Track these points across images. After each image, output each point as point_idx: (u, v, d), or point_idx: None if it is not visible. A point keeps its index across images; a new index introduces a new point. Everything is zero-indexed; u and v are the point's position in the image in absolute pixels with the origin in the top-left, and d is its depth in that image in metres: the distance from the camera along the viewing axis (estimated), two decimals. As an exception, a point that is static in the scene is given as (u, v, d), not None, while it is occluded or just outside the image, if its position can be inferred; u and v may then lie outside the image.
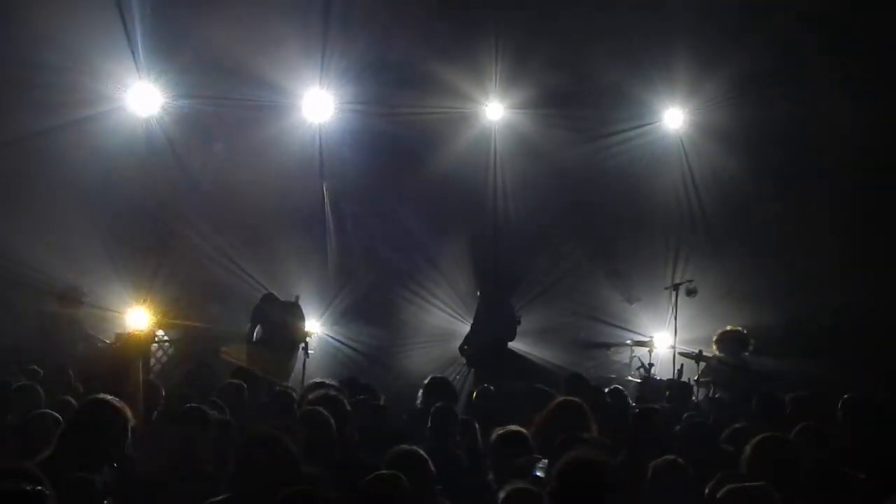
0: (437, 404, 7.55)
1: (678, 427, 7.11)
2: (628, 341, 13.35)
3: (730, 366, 10.73)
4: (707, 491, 5.15)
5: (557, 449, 5.63)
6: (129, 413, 5.19)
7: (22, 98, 11.85)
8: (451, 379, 11.12)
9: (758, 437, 5.47)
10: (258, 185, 13.17)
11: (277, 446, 4.89)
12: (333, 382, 8.76)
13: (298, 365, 12.13)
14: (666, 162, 14.72)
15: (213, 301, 13.34)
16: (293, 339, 12.30)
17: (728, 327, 11.18)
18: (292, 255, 13.75)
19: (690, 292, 12.46)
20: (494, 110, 14.49)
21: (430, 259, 14.34)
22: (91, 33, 11.80)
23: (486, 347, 12.58)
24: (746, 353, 10.90)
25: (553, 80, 13.72)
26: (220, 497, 4.90)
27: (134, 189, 12.79)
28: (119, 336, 11.40)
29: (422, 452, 5.41)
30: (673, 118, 14.64)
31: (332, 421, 6.36)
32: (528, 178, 14.32)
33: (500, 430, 6.31)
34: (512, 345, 12.96)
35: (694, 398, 10.65)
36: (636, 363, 12.56)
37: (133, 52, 12.39)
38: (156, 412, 7.52)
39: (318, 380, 9.16)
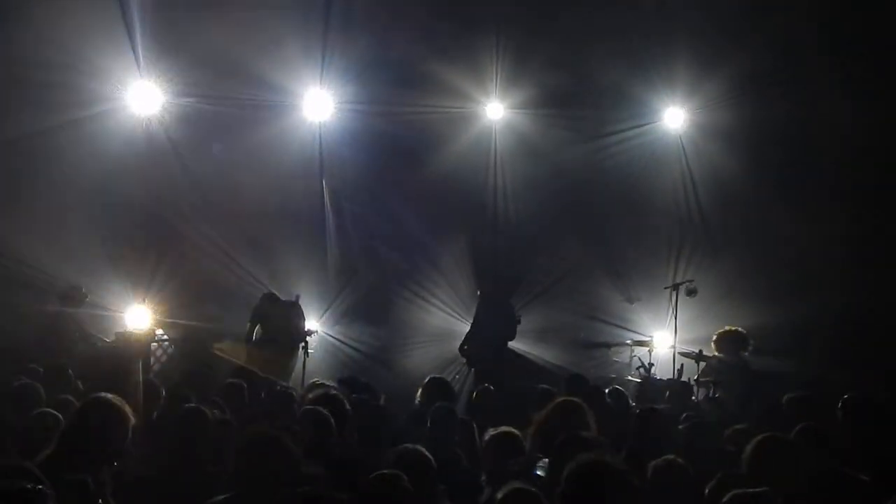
0: (437, 404, 7.56)
1: (681, 427, 7.11)
2: (628, 341, 13.35)
3: (730, 366, 10.72)
4: (707, 491, 5.16)
5: (557, 449, 5.64)
6: (129, 412, 5.19)
7: (22, 97, 11.85)
8: (451, 379, 11.14)
9: (758, 438, 5.47)
10: (258, 185, 13.17)
11: (278, 446, 4.90)
12: (333, 383, 8.79)
13: (298, 365, 12.12)
14: (666, 162, 14.73)
15: (213, 300, 13.33)
16: (293, 338, 12.30)
17: (727, 327, 11.17)
18: (292, 254, 13.76)
19: (690, 292, 12.45)
20: (495, 110, 14.50)
21: (431, 259, 14.34)
22: (91, 32, 11.80)
23: (486, 347, 12.58)
24: (746, 354, 10.89)
25: (553, 79, 13.73)
26: (221, 497, 4.90)
27: (134, 188, 12.78)
28: (119, 335, 11.40)
29: (425, 452, 5.42)
30: (673, 118, 14.64)
31: (333, 420, 6.37)
32: (528, 178, 14.33)
33: (493, 431, 6.31)
34: (512, 345, 12.96)
35: (694, 398, 10.65)
36: (636, 363, 12.56)
37: (134, 52, 12.39)
38: (155, 412, 7.54)
39: (318, 380, 9.18)
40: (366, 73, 13.55)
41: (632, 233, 14.53)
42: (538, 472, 5.86)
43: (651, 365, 12.30)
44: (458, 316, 14.07)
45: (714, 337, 11.07)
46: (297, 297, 12.78)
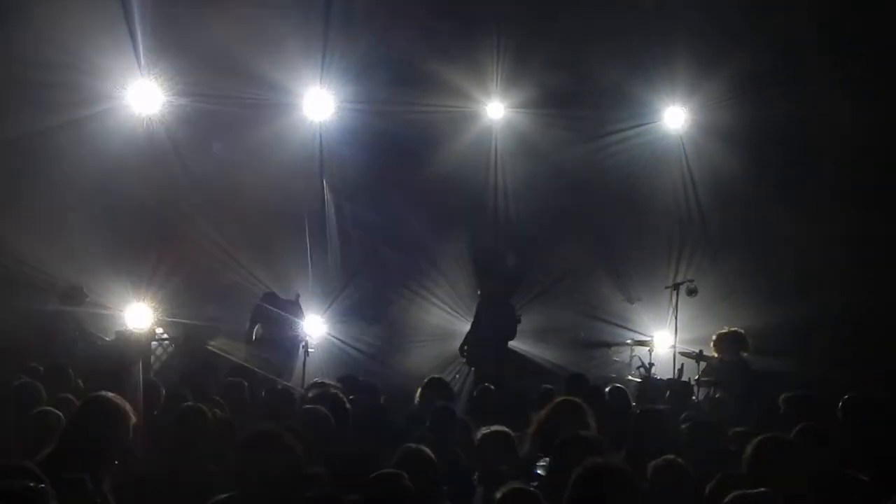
0: (437, 404, 7.57)
1: (683, 426, 7.10)
2: (628, 341, 13.36)
3: (730, 366, 10.71)
4: (707, 491, 5.16)
5: (557, 448, 5.65)
6: (130, 411, 5.19)
7: (22, 96, 11.85)
8: (451, 379, 11.15)
9: (758, 438, 5.47)
10: (258, 184, 13.18)
11: (279, 445, 4.90)
12: (334, 382, 8.80)
13: (298, 364, 12.12)
14: (666, 162, 14.73)
15: (214, 299, 13.34)
16: (293, 337, 12.31)
17: (726, 328, 11.17)
18: (293, 253, 13.78)
19: (691, 292, 12.44)
20: (495, 109, 14.51)
21: (431, 258, 14.35)
22: (92, 31, 11.79)
23: (486, 347, 12.58)
24: (745, 354, 10.89)
25: (554, 79, 13.73)
26: (223, 496, 4.90)
27: (135, 187, 12.78)
28: (119, 334, 11.41)
29: (428, 452, 5.41)
30: (673, 118, 14.64)
31: (333, 420, 6.38)
32: (528, 178, 14.34)
33: (484, 430, 6.29)
34: (512, 344, 12.96)
35: (694, 398, 10.64)
36: (636, 363, 12.56)
37: (134, 51, 12.39)
38: (155, 411, 7.55)
39: (318, 380, 9.18)
40: (366, 73, 13.56)
41: (632, 233, 14.53)
42: (538, 472, 5.88)
43: (651, 365, 12.30)
44: (458, 315, 14.07)
45: (713, 338, 11.07)
46: (297, 297, 12.80)
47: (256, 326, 12.34)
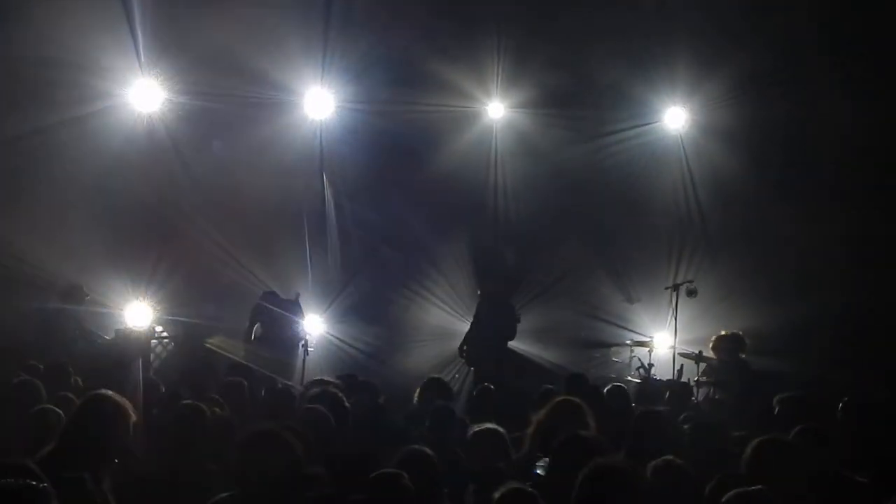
0: (436, 404, 7.57)
1: (685, 426, 7.09)
2: (628, 341, 13.36)
3: (730, 367, 10.71)
4: (707, 492, 5.16)
5: (557, 448, 5.65)
6: (130, 409, 5.19)
7: (23, 94, 11.85)
8: (450, 378, 11.15)
9: (757, 439, 5.47)
10: (259, 183, 13.17)
11: (280, 444, 4.90)
12: (333, 380, 8.80)
13: (298, 364, 12.12)
14: (666, 162, 14.72)
15: (213, 298, 13.34)
16: (293, 337, 12.31)
17: (723, 331, 11.16)
18: (293, 252, 13.78)
19: (691, 293, 12.44)
20: (496, 109, 14.51)
21: (431, 258, 14.35)
22: (93, 30, 11.79)
23: (486, 347, 12.58)
24: (743, 355, 10.89)
25: (554, 79, 13.73)
26: (224, 495, 4.90)
27: (135, 186, 12.78)
28: (119, 333, 11.41)
29: (430, 453, 5.41)
30: (673, 118, 14.63)
31: (333, 420, 6.38)
32: (528, 178, 14.33)
33: (476, 428, 6.28)
34: (512, 344, 12.96)
35: (694, 399, 10.64)
36: (636, 363, 12.56)
37: (135, 49, 12.38)
38: (155, 410, 7.55)
39: (318, 378, 9.18)
40: (367, 72, 13.56)
41: (632, 233, 14.52)
42: (538, 472, 5.88)
43: (651, 365, 12.31)
44: (458, 315, 14.06)
45: (711, 341, 11.08)
46: (297, 296, 12.80)
47: (256, 325, 12.34)
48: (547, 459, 5.83)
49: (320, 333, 13.74)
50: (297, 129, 13.85)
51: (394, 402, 9.08)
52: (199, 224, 13.20)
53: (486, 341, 12.63)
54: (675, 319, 12.41)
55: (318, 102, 13.84)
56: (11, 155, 11.94)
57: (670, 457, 5.48)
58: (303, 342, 12.25)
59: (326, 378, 8.88)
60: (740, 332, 11.08)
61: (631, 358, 12.94)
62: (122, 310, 12.28)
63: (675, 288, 12.52)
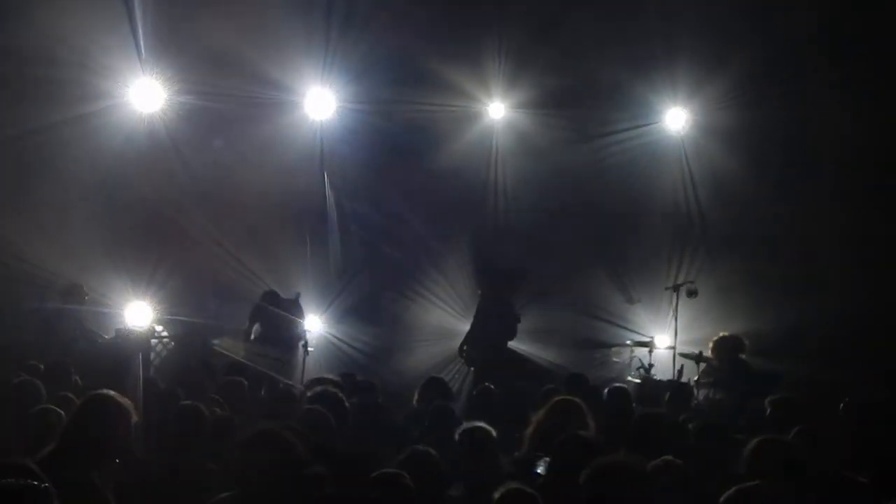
0: (436, 404, 7.58)
1: (691, 425, 7.09)
2: (628, 342, 13.35)
3: (730, 367, 10.71)
4: (707, 492, 5.16)
5: (557, 448, 5.66)
6: (131, 409, 5.19)
7: (24, 94, 11.85)
8: (450, 378, 11.15)
9: (756, 439, 5.48)
10: (260, 182, 13.18)
11: (282, 444, 4.89)
12: (334, 378, 8.82)
13: (298, 363, 12.13)
14: (667, 162, 14.72)
15: (214, 298, 13.35)
16: (292, 336, 12.32)
17: (722, 334, 11.16)
18: (293, 252, 13.78)
19: (691, 293, 12.45)
20: (496, 109, 14.51)
21: (431, 257, 14.35)
22: (94, 29, 11.80)
23: (486, 347, 12.58)
24: (743, 356, 10.89)
25: (555, 80, 13.73)
26: (225, 495, 4.91)
27: (136, 185, 12.78)
28: (119, 332, 11.41)
29: (434, 453, 5.41)
30: (674, 118, 14.63)
31: (333, 420, 6.38)
32: (529, 178, 14.32)
33: (466, 426, 6.28)
34: (512, 344, 12.96)
35: (694, 399, 10.64)
36: (636, 364, 12.55)
37: (136, 48, 12.38)
38: (155, 410, 7.54)
39: (318, 377, 9.19)
40: (368, 72, 13.56)
41: (632, 233, 14.51)
42: (538, 472, 5.89)
43: (651, 366, 12.30)
44: (458, 315, 14.07)
45: (710, 344, 11.08)
46: (298, 296, 12.80)
47: (256, 325, 12.35)
48: (547, 459, 5.83)
49: (320, 333, 13.74)
50: (298, 128, 13.85)
51: (393, 402, 9.08)
52: (200, 224, 13.20)
53: (486, 341, 12.63)
54: (676, 320, 12.41)
55: (319, 102, 13.84)
56: (12, 154, 11.94)
57: (669, 457, 5.49)
58: (302, 342, 12.25)
59: (326, 377, 8.89)
60: (740, 334, 11.08)
61: (631, 358, 12.93)
62: (122, 309, 12.28)
63: (676, 288, 12.53)
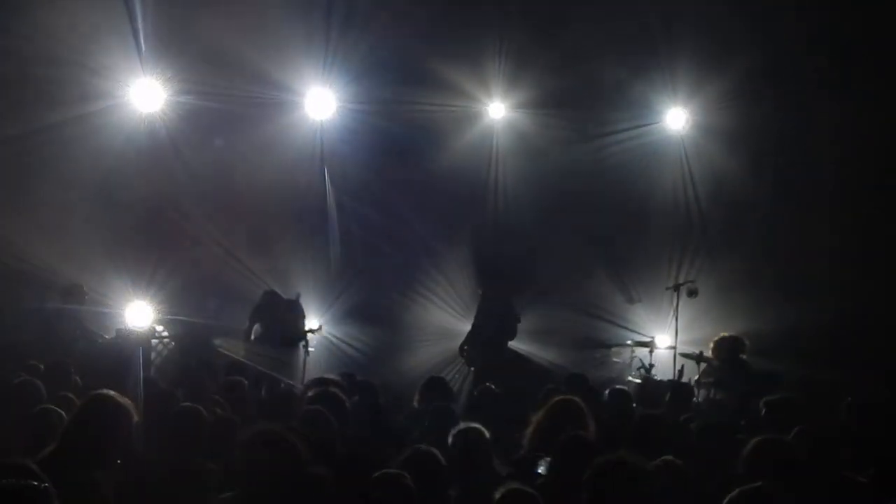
0: (436, 404, 7.57)
1: (691, 426, 7.09)
2: (629, 342, 13.35)
3: (730, 367, 10.71)
4: (707, 492, 5.16)
5: (558, 448, 5.66)
6: (132, 409, 5.19)
7: (24, 94, 11.85)
8: (450, 378, 11.14)
9: (756, 439, 5.48)
10: (260, 182, 13.17)
11: (283, 444, 4.90)
12: (335, 377, 8.81)
13: (299, 363, 12.13)
14: (667, 162, 14.72)
15: (214, 298, 13.35)
16: (293, 337, 12.32)
17: (722, 334, 11.17)
18: (294, 252, 13.78)
19: (692, 293, 12.45)
20: (497, 109, 14.51)
21: (432, 257, 14.34)
22: (94, 29, 11.81)
23: (486, 346, 12.58)
24: (743, 356, 10.89)
25: (555, 80, 13.74)
26: (226, 495, 4.90)
27: (136, 185, 12.79)
28: (120, 332, 11.42)
29: (436, 453, 5.41)
30: (674, 118, 14.64)
31: (333, 420, 6.38)
32: (529, 178, 14.32)
33: (461, 426, 6.27)
34: (512, 344, 12.96)
35: (695, 399, 10.64)
36: (636, 364, 12.55)
37: (137, 48, 12.38)
38: (155, 410, 7.54)
39: (318, 377, 9.18)
40: (368, 72, 13.56)
41: (633, 233, 14.52)
42: (538, 472, 5.89)
43: (651, 366, 12.30)
44: (458, 315, 14.07)
45: (711, 344, 11.09)
46: (298, 296, 12.80)
47: (256, 325, 12.35)
48: (547, 459, 5.83)
49: (321, 333, 13.73)
50: (298, 128, 13.85)
51: (393, 402, 9.08)
52: (200, 224, 13.21)
53: (486, 341, 12.63)
54: (676, 320, 12.41)
55: (320, 102, 13.84)
56: (12, 154, 11.94)
57: (669, 457, 5.49)
58: (303, 342, 12.25)
59: (327, 377, 8.88)
60: (740, 334, 11.08)
61: (632, 358, 12.92)
62: (122, 309, 12.29)
63: (676, 288, 12.53)
